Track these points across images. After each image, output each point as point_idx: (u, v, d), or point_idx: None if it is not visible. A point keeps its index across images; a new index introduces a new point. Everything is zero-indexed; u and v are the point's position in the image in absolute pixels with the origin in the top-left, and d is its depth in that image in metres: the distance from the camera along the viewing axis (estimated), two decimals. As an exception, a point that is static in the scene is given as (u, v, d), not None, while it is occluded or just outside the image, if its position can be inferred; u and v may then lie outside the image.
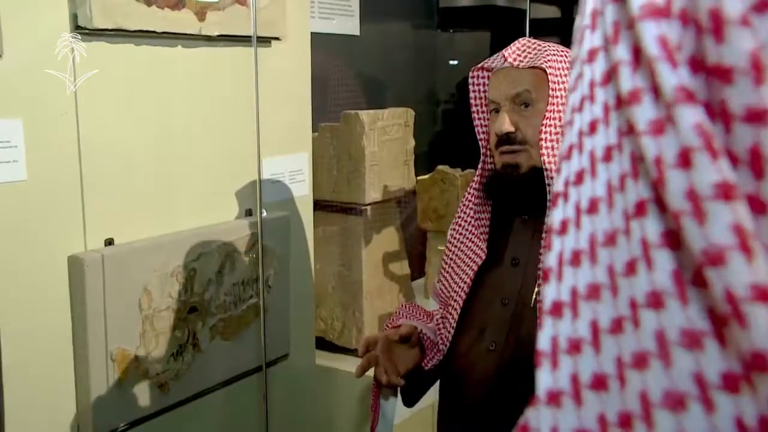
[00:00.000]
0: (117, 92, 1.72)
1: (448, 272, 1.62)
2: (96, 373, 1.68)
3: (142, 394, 1.79)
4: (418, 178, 2.92)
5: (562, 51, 1.46)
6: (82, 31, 1.62)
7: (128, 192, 1.77)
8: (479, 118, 1.57)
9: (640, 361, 0.34)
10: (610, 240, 0.36)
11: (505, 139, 1.45)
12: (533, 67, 1.43)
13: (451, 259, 1.62)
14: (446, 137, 3.72)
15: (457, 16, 3.82)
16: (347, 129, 2.49)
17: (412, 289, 2.78)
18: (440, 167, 3.06)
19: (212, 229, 1.95)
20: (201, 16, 1.83)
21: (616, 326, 0.36)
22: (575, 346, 0.37)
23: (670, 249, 0.34)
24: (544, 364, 0.38)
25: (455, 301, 1.55)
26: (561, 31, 3.82)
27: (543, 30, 3.59)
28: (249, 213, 2.08)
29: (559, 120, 1.40)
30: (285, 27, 2.09)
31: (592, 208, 0.38)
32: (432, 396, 1.75)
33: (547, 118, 1.40)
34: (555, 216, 0.40)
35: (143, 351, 1.77)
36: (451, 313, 1.56)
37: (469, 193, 1.60)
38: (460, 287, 1.55)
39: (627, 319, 0.35)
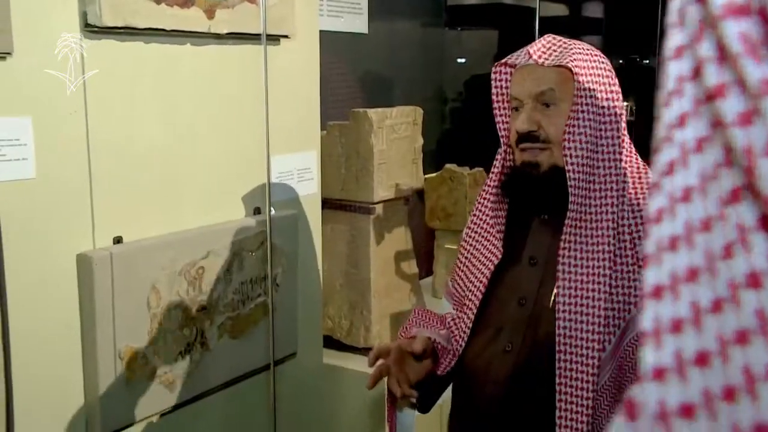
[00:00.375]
0: (126, 90, 1.72)
1: (463, 271, 1.60)
2: (104, 370, 1.68)
3: (150, 391, 1.79)
4: (426, 176, 2.91)
5: (588, 50, 1.44)
6: (92, 29, 1.62)
7: (137, 190, 1.77)
8: (500, 114, 1.54)
9: (742, 338, 0.36)
10: (706, 226, 0.39)
11: (526, 136, 1.43)
12: (558, 66, 1.41)
13: (466, 258, 1.60)
14: (454, 136, 3.71)
15: (466, 14, 3.81)
16: (356, 127, 2.48)
17: (420, 287, 2.78)
18: (448, 166, 3.06)
19: (221, 227, 1.95)
20: (210, 14, 1.83)
21: (716, 306, 0.38)
22: (677, 326, 0.39)
23: (766, 232, 0.36)
24: (648, 343, 0.40)
25: (471, 300, 1.53)
26: (570, 29, 3.80)
27: (552, 28, 3.58)
28: (257, 211, 2.08)
29: (584, 120, 1.38)
30: (294, 25, 2.09)
31: (686, 196, 0.40)
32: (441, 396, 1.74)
33: (571, 118, 1.38)
34: (651, 206, 0.42)
35: (151, 349, 1.77)
36: (466, 313, 1.54)
37: (484, 191, 1.58)
38: (476, 286, 1.53)
39: (726, 299, 0.37)
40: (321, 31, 2.27)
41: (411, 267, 2.73)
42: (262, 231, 2.04)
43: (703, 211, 0.39)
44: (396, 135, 2.56)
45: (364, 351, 2.56)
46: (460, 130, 3.74)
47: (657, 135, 0.43)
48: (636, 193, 1.43)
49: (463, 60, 3.82)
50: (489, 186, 1.56)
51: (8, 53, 1.48)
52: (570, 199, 1.39)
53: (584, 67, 1.40)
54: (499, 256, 1.50)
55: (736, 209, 0.37)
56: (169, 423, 1.86)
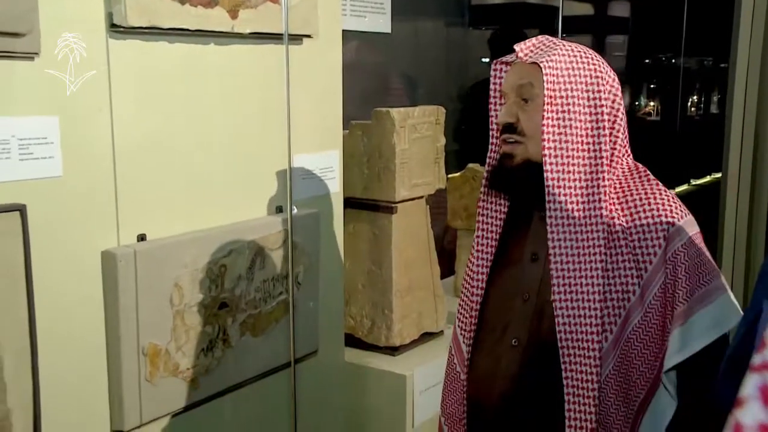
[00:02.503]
0: (150, 90, 1.74)
1: (469, 267, 1.64)
2: (128, 366, 1.70)
3: (173, 388, 1.81)
4: (449, 176, 2.91)
5: (578, 51, 1.46)
6: (117, 29, 1.64)
7: (160, 188, 1.79)
8: (494, 110, 1.59)
9: None
10: None
11: (506, 129, 1.48)
12: (535, 63, 1.45)
13: (472, 254, 1.64)
14: (477, 135, 3.70)
15: (489, 13, 3.81)
16: (378, 126, 2.49)
17: (442, 287, 2.78)
18: (471, 165, 3.05)
19: (243, 225, 1.96)
20: (233, 14, 1.85)
21: None
22: None
23: None
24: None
25: (471, 298, 1.58)
26: (593, 27, 3.78)
27: (575, 27, 3.55)
28: (279, 210, 2.09)
29: (556, 116, 1.42)
30: (317, 24, 2.10)
31: None
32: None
33: (545, 115, 1.42)
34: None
35: (174, 346, 1.79)
36: (470, 312, 1.58)
37: (481, 191, 1.62)
38: (476, 284, 1.57)
39: None
40: (344, 31, 2.28)
41: (433, 266, 2.72)
42: (284, 229, 2.06)
43: None
44: (418, 134, 2.56)
45: (386, 350, 2.57)
46: (484, 130, 3.73)
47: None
48: (629, 187, 1.47)
49: (486, 59, 3.81)
50: (481, 183, 1.61)
51: (36, 53, 1.50)
52: (547, 192, 1.42)
53: (559, 67, 1.43)
54: (492, 252, 1.55)
55: None
56: (191, 419, 1.88)
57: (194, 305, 1.83)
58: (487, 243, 1.57)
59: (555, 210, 1.43)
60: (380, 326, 2.57)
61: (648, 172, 1.53)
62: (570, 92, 1.43)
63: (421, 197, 2.64)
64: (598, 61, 1.49)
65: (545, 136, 1.42)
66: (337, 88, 2.26)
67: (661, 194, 1.47)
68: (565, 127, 1.43)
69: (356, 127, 2.55)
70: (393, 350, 2.56)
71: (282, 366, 2.13)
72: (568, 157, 1.43)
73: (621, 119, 1.48)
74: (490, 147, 1.59)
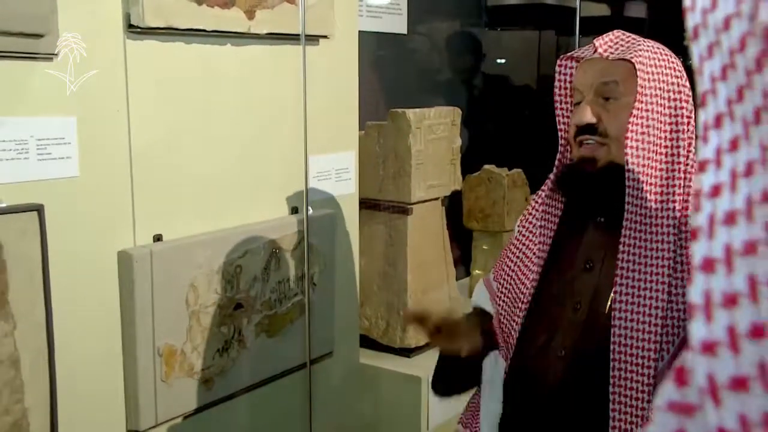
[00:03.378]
0: (167, 90, 1.75)
1: (512, 269, 1.55)
2: (144, 367, 1.70)
3: (188, 389, 1.81)
4: (465, 177, 2.90)
5: (658, 48, 1.40)
6: (134, 29, 1.64)
7: (177, 189, 1.79)
8: (561, 108, 1.50)
9: None
10: (766, 198, 0.38)
11: (584, 129, 1.39)
12: (623, 60, 1.37)
13: (516, 255, 1.55)
14: (493, 136, 3.69)
15: (506, 14, 3.79)
16: (394, 127, 2.48)
17: (457, 289, 2.77)
18: (487, 167, 3.04)
19: (258, 226, 1.96)
20: (250, 14, 1.85)
21: None
22: (731, 300, 0.39)
23: None
24: (697, 316, 0.40)
25: (520, 301, 1.49)
26: (611, 29, 3.76)
27: (593, 28, 3.53)
28: (295, 210, 2.09)
29: (647, 118, 1.34)
30: (333, 25, 2.10)
31: (749, 170, 0.39)
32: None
33: (634, 116, 1.33)
34: (704, 181, 0.42)
35: (189, 346, 1.79)
36: (515, 315, 1.49)
37: (542, 189, 1.53)
38: (526, 287, 1.48)
39: None
40: (360, 32, 2.27)
41: (448, 268, 2.72)
42: (299, 230, 2.05)
43: (764, 183, 0.38)
44: (434, 135, 2.56)
45: (401, 351, 2.56)
46: (500, 131, 3.72)
47: (712, 111, 0.42)
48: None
49: (502, 60, 3.80)
50: (546, 184, 1.52)
51: (54, 54, 1.51)
52: (627, 200, 1.34)
53: (650, 64, 1.35)
54: (545, 257, 1.47)
55: None
56: (206, 420, 1.88)
57: (210, 306, 1.83)
58: (540, 248, 1.48)
59: (631, 213, 1.34)
60: (395, 328, 2.56)
61: None
62: (656, 91, 1.35)
63: (437, 198, 2.63)
64: (676, 59, 1.41)
65: (629, 135, 1.33)
66: (353, 89, 2.26)
67: None
68: (648, 127, 1.34)
69: (372, 128, 2.54)
70: (408, 352, 2.56)
71: (297, 367, 2.12)
72: (648, 159, 1.34)
73: (693, 123, 1.39)
74: (559, 148, 1.49)
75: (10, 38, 1.43)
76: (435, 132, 2.56)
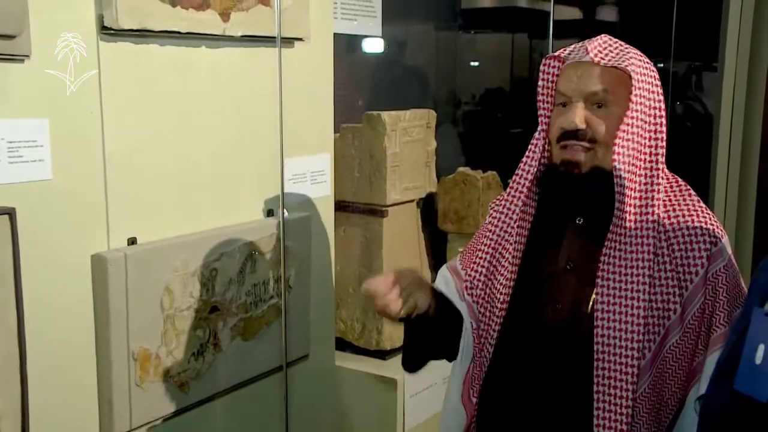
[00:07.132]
0: (141, 92, 1.73)
1: (487, 268, 1.54)
2: (118, 371, 1.68)
3: (163, 393, 1.79)
4: (440, 179, 2.91)
5: (641, 55, 1.42)
6: (108, 31, 1.63)
7: (151, 191, 1.78)
8: (544, 108, 1.49)
9: None
10: None
11: (571, 134, 1.40)
12: (615, 68, 1.38)
13: (489, 254, 1.54)
14: (468, 139, 3.71)
15: (479, 17, 3.81)
16: (369, 130, 2.48)
17: (432, 290, 2.78)
18: (461, 169, 3.05)
19: (234, 229, 1.95)
20: (225, 16, 1.84)
21: None
22: None
23: None
24: None
25: (498, 300, 1.48)
26: (584, 32, 3.79)
27: (566, 32, 3.57)
28: (271, 213, 2.09)
29: (635, 126, 1.37)
30: (308, 28, 2.10)
31: None
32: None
33: (626, 124, 1.36)
34: None
35: (164, 350, 1.78)
36: (493, 315, 1.49)
37: (513, 188, 1.52)
38: (504, 286, 1.48)
39: None
40: (335, 34, 2.27)
41: (423, 270, 2.72)
42: (275, 233, 2.05)
43: None
44: (409, 138, 2.56)
45: (376, 354, 2.56)
46: (474, 134, 3.73)
47: None
48: (671, 200, 1.42)
49: (476, 63, 3.82)
50: (519, 183, 1.51)
51: (26, 56, 1.49)
52: (616, 205, 1.37)
53: (641, 73, 1.38)
54: (519, 257, 1.47)
55: None
56: (181, 424, 1.87)
57: (185, 309, 1.82)
58: (515, 248, 1.48)
59: (618, 219, 1.37)
60: (371, 330, 2.56)
61: (687, 184, 1.48)
62: (644, 100, 1.38)
63: (412, 201, 2.64)
64: (652, 65, 1.43)
65: (618, 141, 1.35)
66: (329, 91, 2.26)
67: (703, 211, 1.42)
68: (633, 134, 1.37)
69: (347, 131, 2.54)
70: (384, 354, 2.56)
71: (273, 370, 2.12)
72: (632, 165, 1.37)
73: (666, 129, 1.43)
74: (530, 147, 1.49)
75: (-19, 39, 1.41)
76: (410, 134, 2.56)
